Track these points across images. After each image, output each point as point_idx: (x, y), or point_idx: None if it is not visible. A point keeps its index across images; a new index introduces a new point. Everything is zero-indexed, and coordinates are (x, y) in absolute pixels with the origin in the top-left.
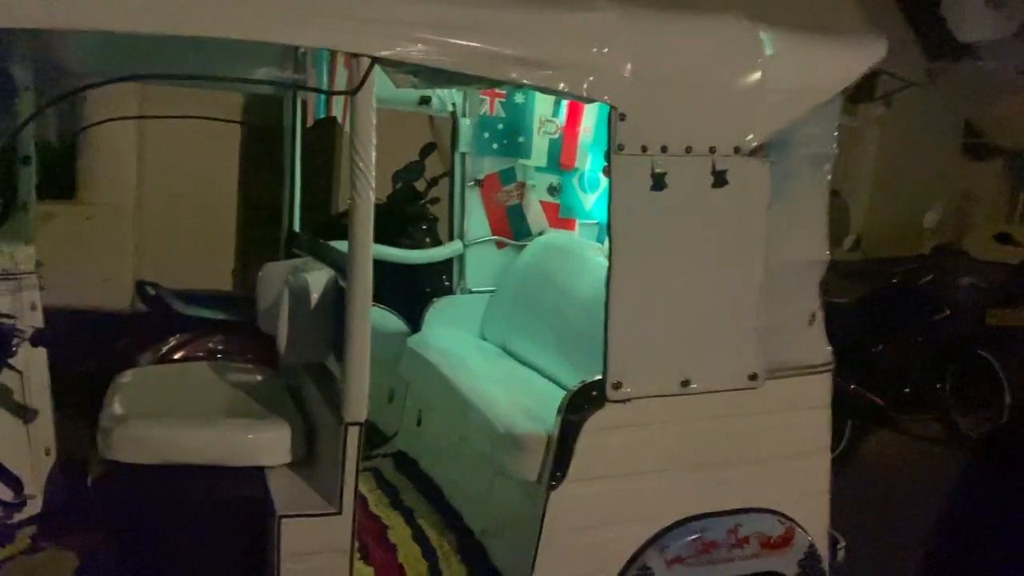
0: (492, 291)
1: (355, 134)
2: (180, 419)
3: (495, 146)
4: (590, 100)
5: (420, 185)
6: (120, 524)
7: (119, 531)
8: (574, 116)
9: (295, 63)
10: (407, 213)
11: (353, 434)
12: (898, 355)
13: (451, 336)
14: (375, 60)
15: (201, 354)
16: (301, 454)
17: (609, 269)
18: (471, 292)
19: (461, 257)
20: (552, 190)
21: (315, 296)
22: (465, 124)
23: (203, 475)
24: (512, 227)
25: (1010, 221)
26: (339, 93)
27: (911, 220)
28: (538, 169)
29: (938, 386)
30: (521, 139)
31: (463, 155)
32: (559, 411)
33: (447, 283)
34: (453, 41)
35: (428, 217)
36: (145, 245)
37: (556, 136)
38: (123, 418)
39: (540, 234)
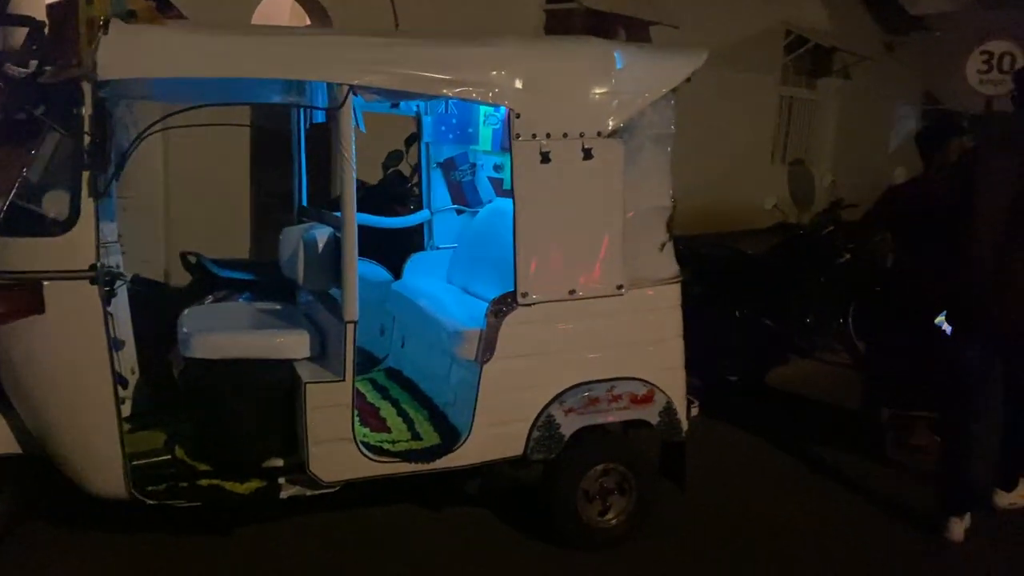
0: (454, 247)
1: (340, 135)
2: (237, 328)
3: (451, 136)
4: (496, 105)
5: (407, 170)
6: (198, 400)
7: (198, 406)
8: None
9: (298, 85)
10: (395, 193)
11: (351, 328)
12: (804, 294)
13: (425, 281)
14: (351, 87)
15: None
16: (316, 352)
17: (514, 217)
18: (438, 248)
19: (430, 222)
20: (497, 168)
21: (321, 245)
22: (427, 121)
23: (252, 365)
24: (467, 197)
25: None
26: (328, 109)
27: (876, 185)
28: (485, 152)
29: (841, 320)
30: (471, 130)
31: (427, 144)
32: (487, 313)
33: (420, 242)
34: (403, 71)
35: (412, 196)
36: (173, 230)
37: (498, 126)
38: (198, 330)
39: (489, 202)
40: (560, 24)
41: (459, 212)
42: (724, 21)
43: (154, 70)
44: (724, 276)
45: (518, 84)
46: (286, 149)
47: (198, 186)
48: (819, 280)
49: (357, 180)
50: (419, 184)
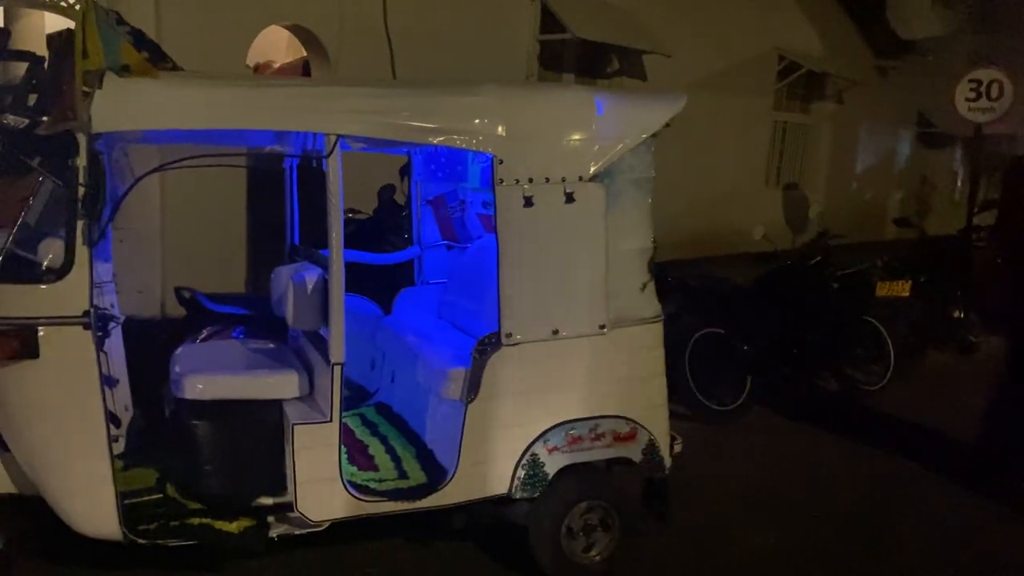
0: (444, 282)
1: (329, 182)
2: (227, 369)
3: (440, 174)
4: (480, 152)
5: (400, 199)
6: (188, 440)
7: (188, 446)
8: None
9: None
10: (388, 224)
11: (337, 370)
12: (791, 323)
13: (414, 316)
14: (339, 136)
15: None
16: (305, 391)
17: (499, 260)
18: (428, 283)
19: (420, 258)
20: (485, 204)
21: (310, 287)
22: (417, 159)
23: (242, 405)
24: (456, 233)
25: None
26: (319, 157)
27: (872, 206)
28: (474, 189)
29: (831, 349)
30: (460, 167)
31: (417, 182)
32: (472, 353)
33: (410, 277)
34: (388, 120)
35: (406, 227)
36: (170, 263)
37: (487, 164)
38: (189, 370)
39: (478, 238)
40: (554, 54)
41: (449, 248)
42: (717, 48)
43: (147, 123)
44: (713, 306)
45: (500, 131)
46: (281, 184)
47: (195, 219)
48: (808, 310)
49: (352, 210)
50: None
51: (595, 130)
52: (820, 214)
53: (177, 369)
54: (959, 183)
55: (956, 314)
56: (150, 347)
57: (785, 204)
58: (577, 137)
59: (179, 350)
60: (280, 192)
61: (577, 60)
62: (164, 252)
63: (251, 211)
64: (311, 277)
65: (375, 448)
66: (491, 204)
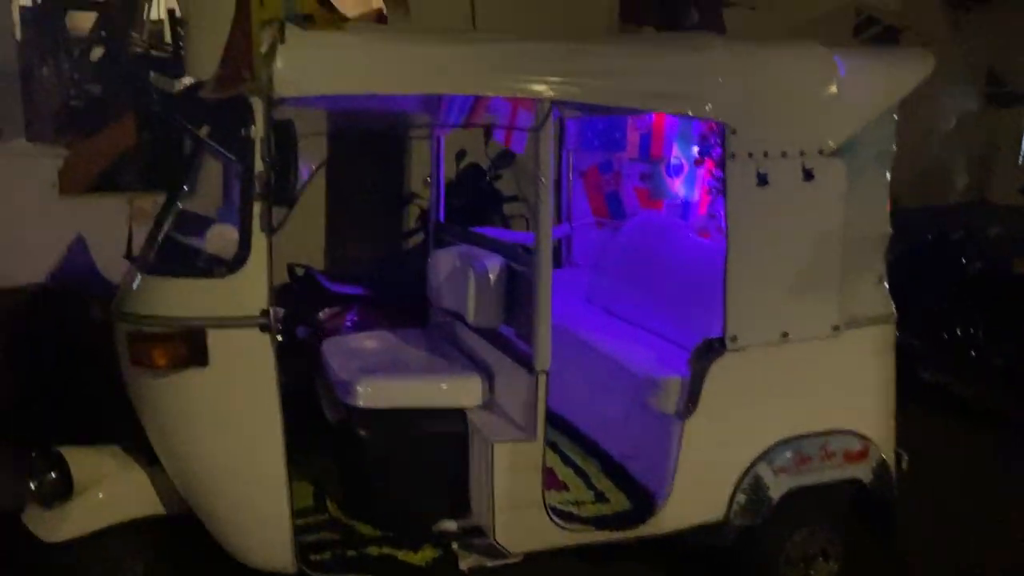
0: (595, 264)
1: (539, 159)
2: (402, 374)
3: (596, 143)
4: (710, 120)
5: (483, 162)
6: (365, 454)
7: (363, 460)
8: (661, 114)
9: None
10: (476, 188)
11: (543, 379)
12: (934, 304)
13: (564, 302)
14: (553, 102)
15: (347, 323)
16: (487, 398)
17: (727, 249)
18: (577, 265)
19: (569, 236)
20: (643, 177)
21: (493, 278)
22: (571, 126)
23: (423, 415)
24: (610, 209)
25: None
26: (526, 130)
27: (939, 169)
28: (631, 160)
29: (971, 330)
30: (617, 135)
31: (570, 152)
32: (690, 360)
33: (558, 258)
34: (610, 84)
35: (496, 193)
36: None
37: (647, 132)
38: (359, 373)
39: (634, 215)
40: (634, 6)
41: (600, 226)
42: (796, 1)
43: (339, 86)
44: None
45: (736, 96)
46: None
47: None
48: (950, 290)
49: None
50: (497, 178)
51: (837, 95)
52: None
53: (340, 371)
54: None
55: None
56: None
57: None
58: (818, 104)
59: (326, 345)
60: (363, 164)
61: (657, 12)
62: None
63: (331, 184)
64: (493, 266)
65: (552, 460)
66: (649, 177)
